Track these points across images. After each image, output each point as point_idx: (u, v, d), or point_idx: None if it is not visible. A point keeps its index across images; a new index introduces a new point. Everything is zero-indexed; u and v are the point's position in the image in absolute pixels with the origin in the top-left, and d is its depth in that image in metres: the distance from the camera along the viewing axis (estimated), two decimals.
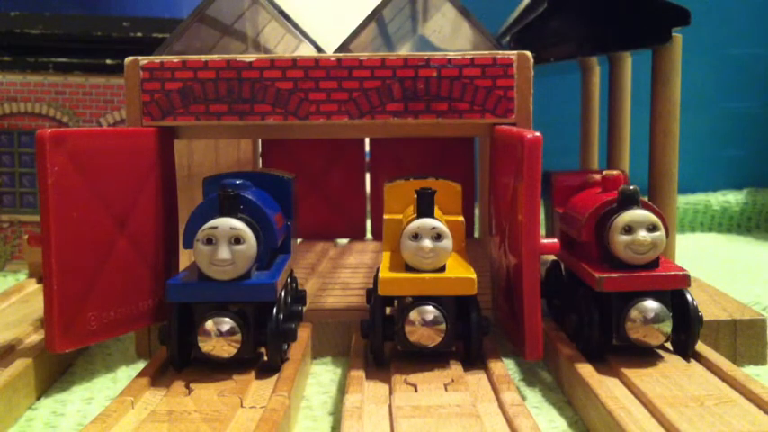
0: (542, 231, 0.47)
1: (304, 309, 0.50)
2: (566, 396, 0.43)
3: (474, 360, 0.42)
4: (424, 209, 0.42)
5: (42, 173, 0.40)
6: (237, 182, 0.42)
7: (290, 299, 0.46)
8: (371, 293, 0.44)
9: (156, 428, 0.34)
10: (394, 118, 0.47)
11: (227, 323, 0.39)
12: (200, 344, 0.39)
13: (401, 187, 0.50)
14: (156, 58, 0.47)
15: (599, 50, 0.65)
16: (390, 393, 0.38)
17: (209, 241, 0.39)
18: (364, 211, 0.83)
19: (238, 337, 0.39)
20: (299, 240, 0.80)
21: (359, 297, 0.55)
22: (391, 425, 0.35)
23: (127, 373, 0.47)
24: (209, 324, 0.39)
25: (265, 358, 0.41)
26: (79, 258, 0.42)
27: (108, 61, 0.73)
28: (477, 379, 0.40)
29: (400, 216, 0.47)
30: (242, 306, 0.40)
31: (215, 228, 0.39)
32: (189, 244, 0.40)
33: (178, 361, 0.41)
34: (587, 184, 0.51)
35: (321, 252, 0.73)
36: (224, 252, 0.39)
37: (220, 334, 0.39)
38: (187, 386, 0.39)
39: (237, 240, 0.39)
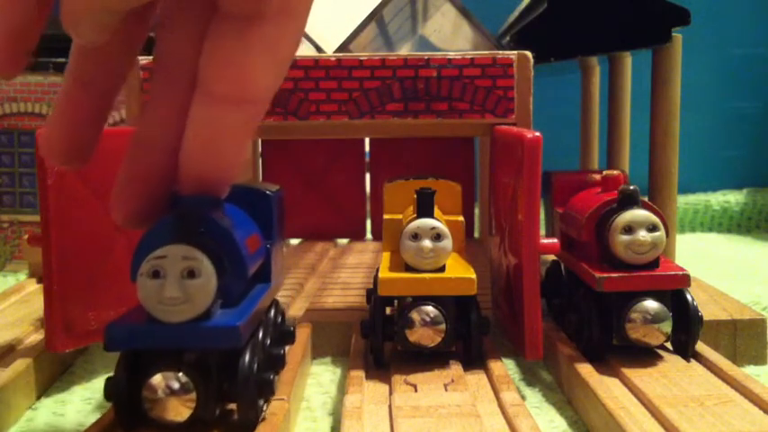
0: (542, 231, 0.47)
1: (287, 349, 0.42)
2: (566, 396, 0.43)
3: (474, 360, 0.42)
4: (424, 209, 0.42)
5: (42, 173, 0.40)
6: (198, 198, 0.32)
7: (268, 340, 0.37)
8: (371, 293, 0.44)
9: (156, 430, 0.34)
10: (394, 118, 0.47)
11: (178, 378, 0.31)
12: (145, 405, 0.31)
13: (401, 187, 0.50)
14: None
15: (599, 50, 0.65)
16: (390, 393, 0.38)
17: (155, 274, 0.31)
18: (364, 211, 0.83)
19: (193, 396, 0.31)
20: (298, 240, 0.80)
21: (359, 297, 0.55)
22: (391, 425, 0.35)
23: None
24: (156, 380, 0.31)
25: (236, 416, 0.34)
26: (79, 258, 0.41)
27: None
28: (477, 379, 0.40)
29: (400, 216, 0.47)
30: (201, 354, 0.32)
31: (163, 257, 0.31)
32: (135, 276, 0.32)
33: (126, 421, 0.32)
34: (587, 184, 0.50)
35: (321, 252, 0.73)
36: (173, 288, 0.31)
37: (171, 392, 0.31)
38: None
39: (192, 273, 0.31)
